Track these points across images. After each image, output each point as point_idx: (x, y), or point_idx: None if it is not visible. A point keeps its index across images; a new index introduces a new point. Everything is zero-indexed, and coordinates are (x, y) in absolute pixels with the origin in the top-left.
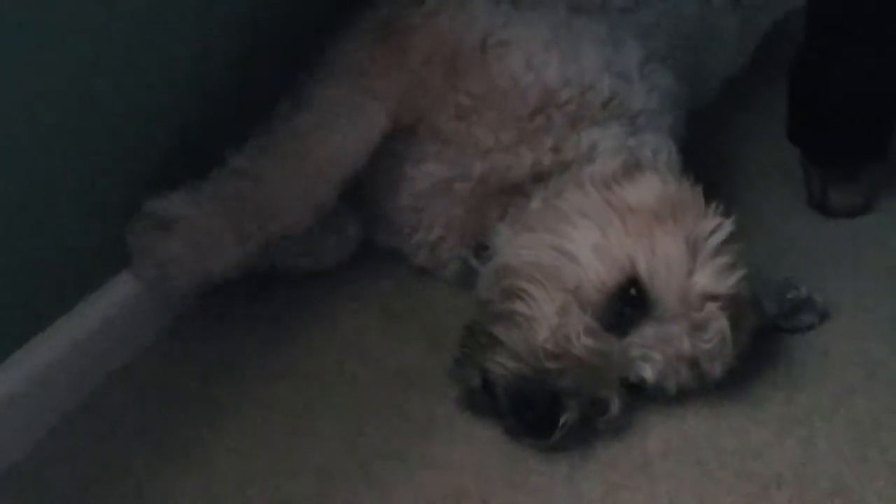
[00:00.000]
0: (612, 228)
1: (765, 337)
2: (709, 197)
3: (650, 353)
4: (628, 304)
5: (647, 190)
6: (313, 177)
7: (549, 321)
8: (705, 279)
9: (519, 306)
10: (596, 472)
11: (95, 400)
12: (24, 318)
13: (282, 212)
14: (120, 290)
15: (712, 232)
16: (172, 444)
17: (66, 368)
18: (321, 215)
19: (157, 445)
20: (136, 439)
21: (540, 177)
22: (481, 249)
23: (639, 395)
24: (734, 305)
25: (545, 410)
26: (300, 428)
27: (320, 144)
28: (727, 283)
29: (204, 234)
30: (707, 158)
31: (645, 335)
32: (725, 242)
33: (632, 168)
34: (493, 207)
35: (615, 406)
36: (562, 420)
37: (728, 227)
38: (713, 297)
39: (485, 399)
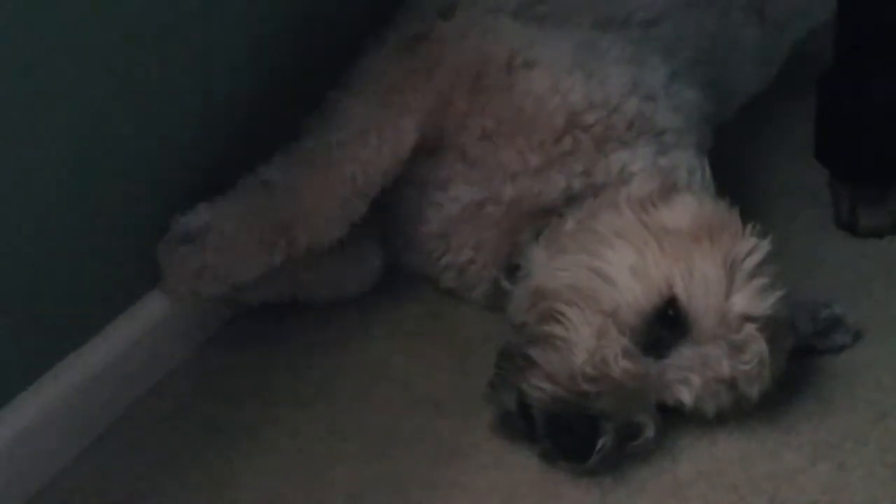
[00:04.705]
0: (649, 250)
1: (797, 358)
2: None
3: (688, 375)
4: (666, 326)
5: (683, 211)
6: (346, 190)
7: (587, 344)
8: (743, 300)
9: (556, 329)
10: (627, 497)
11: (122, 424)
12: (46, 345)
13: (312, 224)
14: (146, 314)
15: (749, 253)
16: (200, 467)
17: (91, 393)
18: (347, 230)
19: (184, 469)
20: (164, 463)
21: (573, 199)
22: (513, 270)
23: (671, 417)
24: (772, 327)
25: (583, 434)
26: (328, 453)
27: (353, 159)
28: (765, 305)
29: (231, 242)
30: (731, 178)
31: (683, 357)
32: (762, 263)
33: (668, 189)
34: (525, 229)
35: (650, 430)
36: (599, 444)
37: (765, 247)
38: (751, 319)
39: (520, 422)
